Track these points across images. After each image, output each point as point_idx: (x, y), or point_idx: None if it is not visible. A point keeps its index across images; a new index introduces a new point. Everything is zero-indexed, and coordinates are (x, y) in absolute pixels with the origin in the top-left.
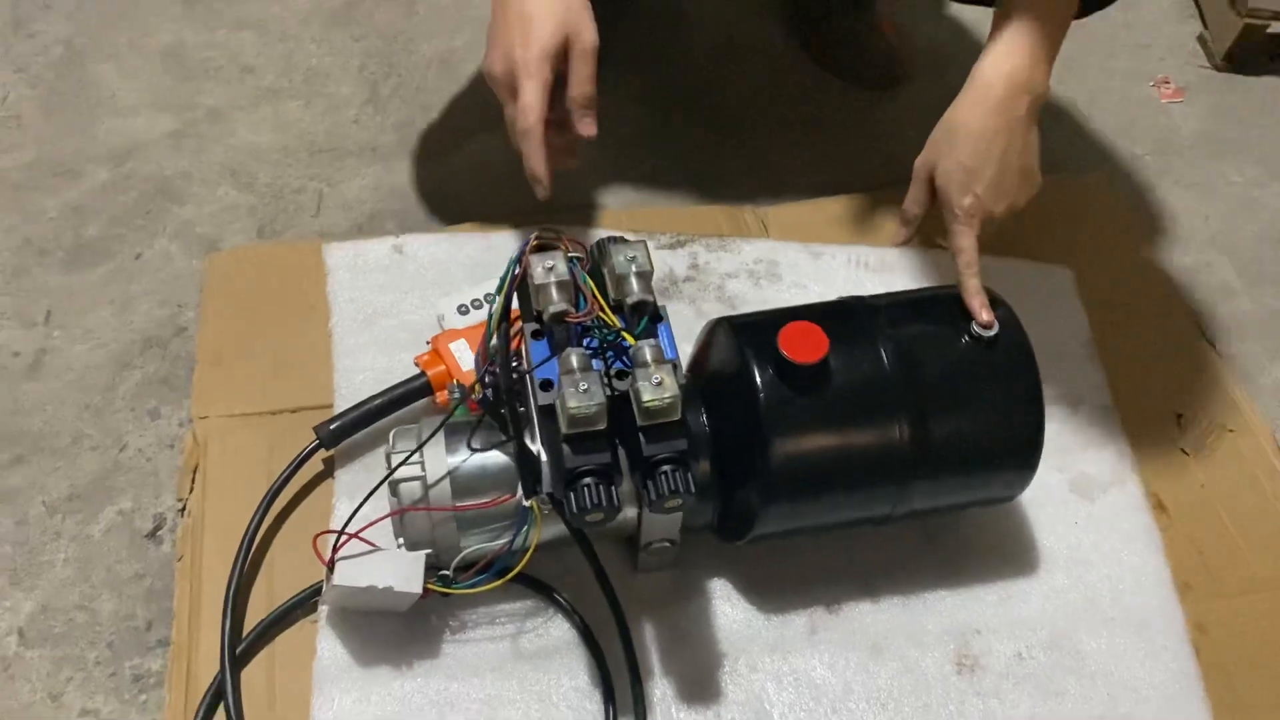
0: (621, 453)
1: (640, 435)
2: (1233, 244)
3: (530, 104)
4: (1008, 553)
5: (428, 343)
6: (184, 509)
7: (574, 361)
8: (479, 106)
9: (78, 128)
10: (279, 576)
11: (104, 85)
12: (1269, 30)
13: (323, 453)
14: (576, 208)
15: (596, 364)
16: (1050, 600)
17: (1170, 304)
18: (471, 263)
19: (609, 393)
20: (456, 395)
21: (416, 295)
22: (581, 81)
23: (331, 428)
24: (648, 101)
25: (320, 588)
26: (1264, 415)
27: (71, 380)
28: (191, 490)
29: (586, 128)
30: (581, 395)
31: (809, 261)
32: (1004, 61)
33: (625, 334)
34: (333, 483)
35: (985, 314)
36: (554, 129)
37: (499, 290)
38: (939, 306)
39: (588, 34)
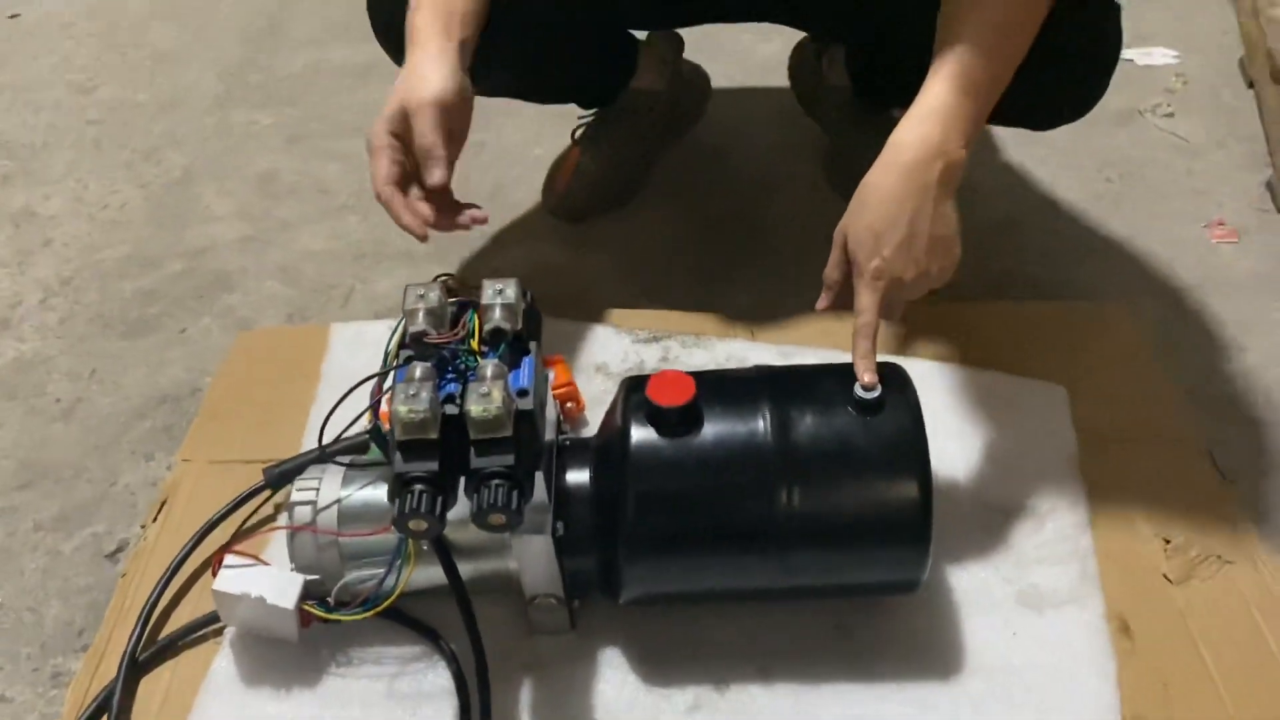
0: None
1: (471, 448)
2: (1270, 378)
3: (376, 173)
4: (926, 653)
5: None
6: (143, 536)
7: (416, 373)
8: (520, 226)
9: (171, 231)
10: (208, 602)
11: (203, 200)
12: None
13: (272, 495)
14: (569, 304)
15: (453, 387)
16: (963, 708)
17: (1182, 433)
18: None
19: (455, 411)
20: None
21: None
22: (419, 134)
23: (277, 470)
24: (676, 222)
25: None
26: (1275, 552)
27: (92, 425)
28: (155, 520)
29: (431, 177)
30: (410, 400)
31: (778, 360)
32: (917, 126)
33: (479, 358)
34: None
35: (868, 375)
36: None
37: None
38: (835, 375)
39: (421, 91)
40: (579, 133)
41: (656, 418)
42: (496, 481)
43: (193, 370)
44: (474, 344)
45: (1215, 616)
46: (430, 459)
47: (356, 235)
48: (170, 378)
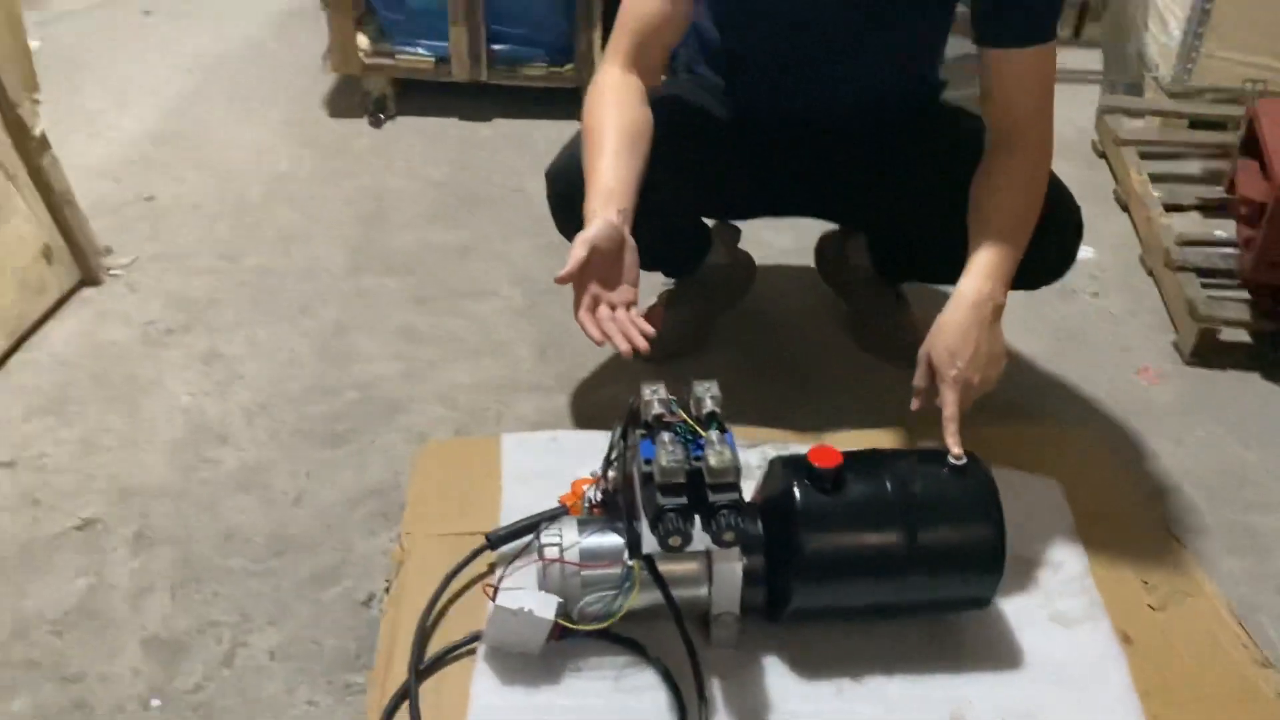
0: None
1: (708, 489)
2: (1197, 476)
3: (575, 300)
4: (995, 653)
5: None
6: (388, 587)
7: (666, 438)
8: (616, 365)
9: (339, 369)
10: (450, 631)
11: (357, 345)
12: (1219, 336)
13: (489, 555)
14: None
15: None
16: (1028, 687)
17: (1144, 512)
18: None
19: (688, 466)
20: (587, 502)
21: (567, 468)
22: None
23: (500, 534)
24: (738, 366)
25: (477, 636)
26: (1219, 589)
27: (320, 510)
28: (396, 575)
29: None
30: (670, 455)
31: None
32: (974, 282)
33: (699, 430)
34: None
35: (957, 447)
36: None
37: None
38: (930, 454)
39: (581, 233)
40: (664, 295)
41: (815, 478)
42: (728, 510)
43: (389, 471)
44: (689, 421)
45: (1186, 630)
46: (681, 495)
47: (492, 372)
48: (374, 476)
